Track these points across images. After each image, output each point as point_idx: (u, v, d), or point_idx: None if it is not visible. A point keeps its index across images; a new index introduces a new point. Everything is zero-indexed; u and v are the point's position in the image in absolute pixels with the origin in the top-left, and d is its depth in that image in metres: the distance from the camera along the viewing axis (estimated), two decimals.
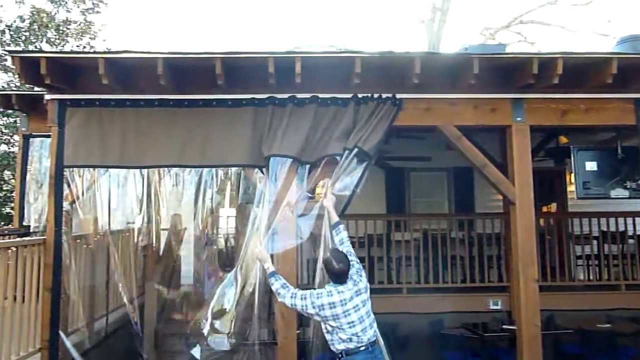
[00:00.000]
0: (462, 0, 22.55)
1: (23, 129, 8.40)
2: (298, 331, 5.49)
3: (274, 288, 4.54)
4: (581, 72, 5.56)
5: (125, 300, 6.51)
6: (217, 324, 5.30)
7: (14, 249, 5.01)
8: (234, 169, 6.30)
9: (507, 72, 5.66)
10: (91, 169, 5.89)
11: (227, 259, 9.84)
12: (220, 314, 5.32)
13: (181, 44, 29.26)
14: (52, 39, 16.75)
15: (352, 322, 4.24)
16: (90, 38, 17.54)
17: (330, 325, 4.30)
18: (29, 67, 5.28)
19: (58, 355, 5.41)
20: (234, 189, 7.14)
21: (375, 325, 4.41)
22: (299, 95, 5.59)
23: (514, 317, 6.00)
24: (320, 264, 5.20)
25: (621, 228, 8.52)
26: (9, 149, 15.60)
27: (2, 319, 4.72)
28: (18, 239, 6.14)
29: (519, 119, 5.76)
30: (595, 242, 8.63)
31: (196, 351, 5.80)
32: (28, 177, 8.36)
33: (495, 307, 7.84)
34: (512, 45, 18.68)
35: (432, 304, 7.90)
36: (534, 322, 5.57)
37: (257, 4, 29.38)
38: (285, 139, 5.45)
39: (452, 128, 5.73)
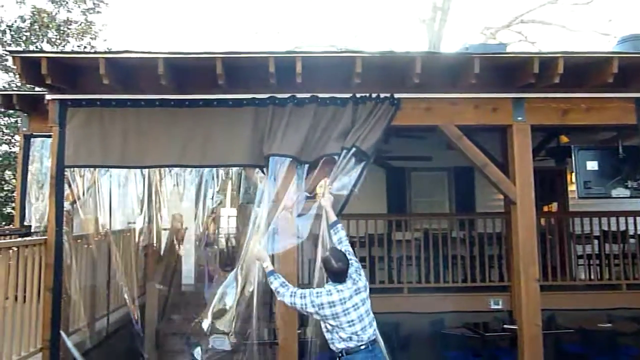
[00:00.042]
0: (462, 0, 22.52)
1: (24, 129, 8.40)
2: (299, 331, 5.49)
3: (273, 287, 4.55)
4: (582, 71, 5.55)
5: (126, 300, 6.52)
6: (218, 323, 5.31)
7: (15, 249, 5.01)
8: (234, 169, 6.31)
9: (508, 72, 5.66)
10: (92, 169, 5.91)
11: (228, 259, 9.86)
12: (221, 313, 5.33)
13: (182, 44, 29.27)
14: (53, 39, 16.76)
15: (352, 320, 4.25)
16: (91, 38, 17.55)
17: (330, 324, 4.31)
18: (29, 67, 5.28)
19: (59, 355, 5.42)
20: (235, 188, 7.15)
21: (374, 324, 4.42)
22: (299, 95, 5.59)
23: (515, 316, 5.99)
24: (318, 264, 5.21)
25: (622, 227, 8.52)
26: (10, 149, 15.61)
27: (3, 319, 4.73)
28: (19, 239, 6.15)
29: (519, 118, 5.76)
30: (596, 241, 8.63)
31: (197, 352, 5.80)
32: (29, 177, 8.36)
33: (496, 307, 7.84)
34: (512, 44, 18.66)
35: (433, 304, 7.91)
36: (535, 322, 5.57)
37: (258, 4, 29.39)
38: (285, 138, 5.45)
39: (453, 128, 5.73)
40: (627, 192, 6.12)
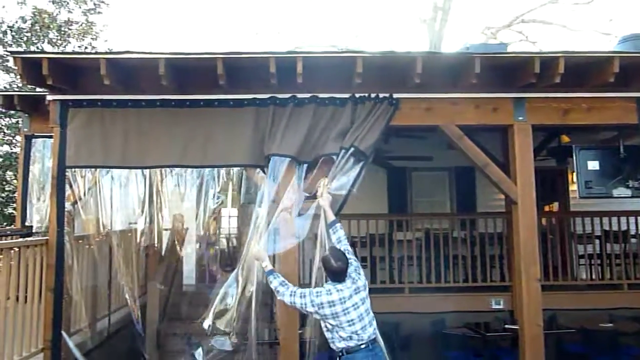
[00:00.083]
0: (463, 0, 22.51)
1: (25, 129, 8.40)
2: (300, 331, 5.50)
3: (272, 286, 4.56)
4: (583, 71, 5.55)
5: (127, 300, 6.52)
6: (219, 323, 5.31)
7: (17, 249, 5.02)
8: (236, 169, 6.30)
9: (508, 72, 5.65)
10: (93, 170, 5.91)
11: (229, 259, 9.87)
12: (222, 313, 5.33)
13: (183, 44, 29.30)
14: (54, 40, 16.76)
15: (352, 320, 4.25)
16: (91, 39, 17.54)
17: (330, 324, 4.31)
18: (30, 68, 5.28)
19: (61, 356, 5.42)
20: (236, 189, 7.15)
21: (374, 323, 4.42)
22: (299, 95, 5.59)
23: (516, 316, 5.99)
24: (317, 263, 5.22)
25: (623, 227, 8.52)
26: (11, 149, 15.61)
27: (4, 319, 4.73)
28: (20, 239, 6.14)
29: (520, 118, 5.75)
30: (597, 241, 8.63)
31: (198, 352, 5.81)
32: (30, 177, 8.37)
33: (497, 307, 7.84)
34: (513, 44, 18.65)
35: (434, 304, 7.90)
36: (536, 322, 5.56)
37: (258, 4, 29.39)
38: (284, 138, 5.46)
39: (454, 127, 5.73)
40: (629, 192, 6.11)
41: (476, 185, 10.09)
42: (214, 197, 6.93)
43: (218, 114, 5.61)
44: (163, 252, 7.53)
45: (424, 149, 9.36)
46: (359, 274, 4.48)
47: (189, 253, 8.72)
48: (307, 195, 5.44)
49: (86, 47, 17.22)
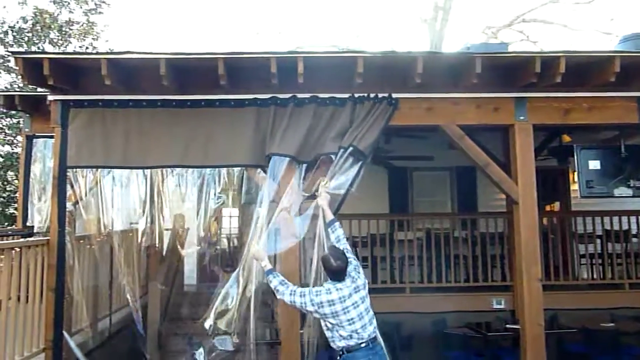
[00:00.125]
0: None
1: (26, 129, 8.40)
2: (301, 331, 5.50)
3: (272, 285, 4.56)
4: (584, 70, 5.55)
5: (128, 300, 6.53)
6: (220, 323, 5.31)
7: (18, 249, 5.02)
8: (237, 169, 6.30)
9: (509, 71, 5.65)
10: (94, 170, 5.91)
11: (230, 259, 9.87)
12: (223, 313, 5.33)
13: (183, 44, 29.29)
14: (55, 40, 16.76)
15: (352, 319, 4.26)
16: (92, 39, 17.54)
17: (330, 323, 4.32)
18: (32, 68, 5.28)
19: (62, 356, 5.43)
20: (237, 189, 7.14)
21: (374, 321, 4.43)
22: (300, 95, 5.60)
23: (518, 316, 5.99)
24: (315, 263, 5.22)
25: (625, 227, 8.52)
26: (12, 149, 15.62)
27: (6, 319, 4.73)
28: (22, 239, 6.15)
29: (521, 117, 5.75)
30: (598, 240, 8.63)
31: (199, 353, 5.81)
32: (31, 177, 8.37)
33: (498, 307, 7.84)
34: (514, 44, 18.64)
35: (435, 304, 7.90)
36: (537, 321, 5.56)
37: (259, 4, 29.40)
38: (284, 138, 5.47)
39: (455, 127, 5.73)
40: (630, 191, 6.11)
41: (477, 185, 10.09)
42: (215, 197, 6.93)
43: (219, 114, 5.61)
44: (164, 253, 7.53)
45: (425, 149, 9.36)
46: (359, 272, 4.48)
47: (189, 253, 8.72)
48: (306, 195, 5.45)
49: (87, 48, 17.22)
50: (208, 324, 5.26)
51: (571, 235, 8.89)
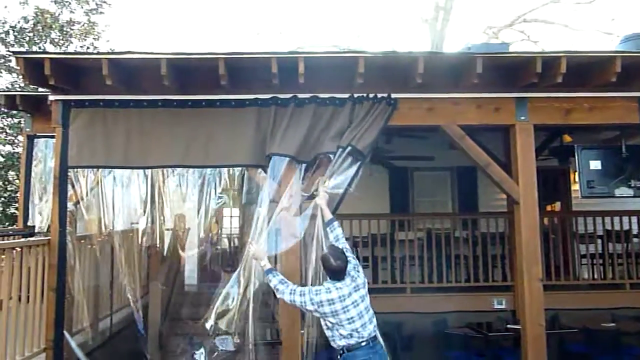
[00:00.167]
0: None
1: (27, 129, 8.41)
2: (302, 331, 5.50)
3: (272, 284, 4.57)
4: (585, 70, 5.54)
5: (129, 300, 6.53)
6: (221, 324, 5.31)
7: (19, 249, 5.02)
8: (237, 169, 6.30)
9: (510, 71, 5.65)
10: (95, 170, 5.91)
11: (231, 259, 9.88)
12: (224, 314, 5.34)
13: (184, 44, 29.30)
14: (56, 40, 16.77)
15: (352, 318, 4.26)
16: (94, 39, 17.55)
17: (330, 322, 4.32)
18: (33, 68, 5.28)
19: (63, 355, 5.43)
20: (238, 189, 7.15)
21: (374, 320, 4.43)
22: (300, 95, 5.60)
23: (518, 316, 5.99)
24: (313, 262, 5.22)
25: (625, 227, 8.51)
26: (13, 149, 15.64)
27: (7, 319, 4.73)
28: (23, 239, 6.15)
29: (522, 118, 5.75)
30: (599, 241, 8.63)
31: (200, 353, 5.81)
32: (32, 177, 8.38)
33: (499, 307, 7.84)
34: (515, 44, 18.61)
35: (436, 304, 7.90)
36: (538, 322, 5.56)
37: (260, 4, 29.41)
38: (285, 138, 5.47)
39: (456, 127, 5.73)
40: (631, 192, 6.11)
41: (478, 185, 10.09)
42: (215, 197, 6.93)
43: (220, 114, 5.61)
44: (165, 253, 7.53)
45: (425, 149, 9.35)
46: (358, 271, 4.49)
47: (190, 253, 8.72)
48: (306, 195, 5.45)
49: (88, 47, 17.23)
50: (209, 324, 5.26)
51: (572, 235, 8.89)
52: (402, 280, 8.31)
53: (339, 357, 4.38)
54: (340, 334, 4.30)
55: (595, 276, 8.83)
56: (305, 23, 33.08)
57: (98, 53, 12.39)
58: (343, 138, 5.46)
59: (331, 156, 5.44)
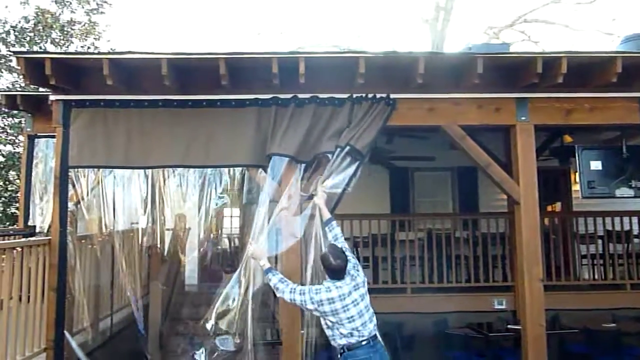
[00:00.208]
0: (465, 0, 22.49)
1: (28, 129, 8.42)
2: (302, 331, 5.50)
3: (271, 283, 4.57)
4: (586, 71, 5.54)
5: (130, 300, 6.54)
6: (221, 324, 5.31)
7: (20, 249, 5.02)
8: (238, 169, 6.31)
9: (511, 72, 5.65)
10: (96, 170, 5.92)
11: (231, 259, 9.88)
12: (224, 314, 5.33)
13: (185, 44, 29.31)
14: (57, 40, 16.78)
15: (352, 316, 4.26)
16: (94, 39, 17.55)
17: (330, 321, 4.32)
18: (33, 68, 5.29)
19: (63, 355, 5.43)
20: (238, 189, 7.15)
21: (374, 319, 4.43)
22: (301, 96, 5.60)
23: (519, 316, 5.99)
24: (311, 262, 5.22)
25: (626, 227, 8.51)
26: (14, 149, 15.64)
27: (7, 319, 4.74)
28: (23, 239, 6.16)
29: (523, 118, 5.75)
30: (600, 241, 8.63)
31: (201, 352, 5.81)
32: (33, 177, 8.38)
33: (499, 307, 7.84)
34: (516, 44, 18.60)
35: (436, 304, 7.90)
36: (538, 322, 5.55)
37: (260, 4, 29.41)
38: (285, 138, 5.48)
39: (456, 128, 5.72)
40: (631, 192, 6.11)
41: (478, 186, 10.08)
42: (216, 197, 6.94)
43: (220, 114, 5.61)
44: (165, 253, 7.54)
45: (426, 149, 9.35)
46: (358, 270, 4.49)
47: (191, 253, 8.73)
48: (305, 195, 5.46)
49: (89, 47, 17.23)
50: (209, 324, 5.26)
51: (572, 236, 8.89)
52: (402, 280, 8.31)
53: (339, 356, 4.38)
54: (341, 333, 4.30)
55: (596, 276, 8.83)
56: (306, 23, 33.09)
57: (99, 53, 12.39)
58: (341, 138, 5.47)
59: (330, 156, 5.44)
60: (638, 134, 6.59)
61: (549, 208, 11.00)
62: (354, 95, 5.59)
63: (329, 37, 27.58)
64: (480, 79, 5.30)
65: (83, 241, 6.25)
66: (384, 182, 10.30)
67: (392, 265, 8.44)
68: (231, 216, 11.46)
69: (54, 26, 16.50)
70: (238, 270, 5.42)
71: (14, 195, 15.31)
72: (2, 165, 15.52)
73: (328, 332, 4.43)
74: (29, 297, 5.16)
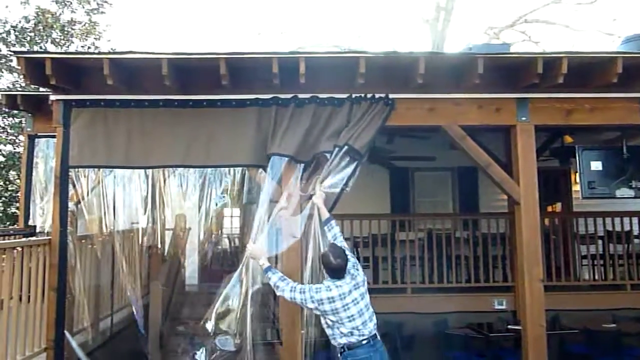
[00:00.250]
0: (466, 0, 22.49)
1: (28, 129, 8.43)
2: (302, 331, 5.50)
3: (271, 282, 4.57)
4: (586, 71, 5.54)
5: (130, 300, 6.53)
6: (221, 324, 5.31)
7: (20, 249, 5.02)
8: (238, 169, 6.31)
9: (511, 72, 5.65)
10: (96, 170, 5.91)
11: (231, 259, 9.87)
12: (224, 314, 5.33)
13: (186, 44, 29.31)
14: (57, 40, 16.78)
15: (352, 315, 4.27)
16: (95, 38, 17.55)
17: (331, 320, 4.33)
18: (34, 68, 5.29)
19: (63, 355, 5.43)
20: (239, 189, 7.15)
21: (374, 318, 4.44)
22: (301, 96, 5.60)
23: (519, 317, 5.99)
24: (310, 261, 5.23)
25: (626, 228, 8.51)
26: (15, 149, 15.65)
27: (7, 318, 4.74)
28: (23, 239, 6.16)
29: (523, 118, 5.75)
30: (600, 241, 8.63)
31: (201, 352, 5.80)
32: (33, 177, 8.39)
33: (500, 307, 7.84)
34: (516, 44, 18.62)
35: (436, 304, 7.91)
36: (539, 322, 5.55)
37: (261, 4, 29.42)
38: (285, 138, 5.48)
39: (457, 128, 5.72)
40: (632, 192, 6.10)
41: (479, 186, 10.09)
42: (217, 197, 6.93)
43: (221, 114, 5.61)
44: (165, 253, 7.53)
45: (426, 149, 9.35)
46: (357, 269, 4.50)
47: (191, 253, 8.72)
48: (304, 194, 5.46)
49: (89, 47, 17.23)
50: (209, 325, 5.26)
51: (573, 236, 8.90)
52: (402, 280, 8.32)
53: (339, 355, 4.39)
54: (341, 332, 4.30)
55: (596, 277, 8.83)
56: (307, 23, 33.09)
57: (99, 53, 12.39)
58: (340, 137, 5.46)
59: (328, 155, 5.44)
60: (638, 134, 6.59)
61: (549, 208, 11.00)
62: (353, 95, 5.59)
63: (330, 37, 27.61)
64: (481, 79, 5.30)
65: (83, 241, 6.25)
66: (384, 182, 10.30)
67: (392, 265, 8.44)
68: (231, 216, 11.45)
69: (55, 26, 16.50)
70: (238, 270, 5.42)
71: (14, 195, 15.31)
72: (2, 165, 15.52)
73: (328, 331, 4.44)
74: (29, 297, 5.16)
